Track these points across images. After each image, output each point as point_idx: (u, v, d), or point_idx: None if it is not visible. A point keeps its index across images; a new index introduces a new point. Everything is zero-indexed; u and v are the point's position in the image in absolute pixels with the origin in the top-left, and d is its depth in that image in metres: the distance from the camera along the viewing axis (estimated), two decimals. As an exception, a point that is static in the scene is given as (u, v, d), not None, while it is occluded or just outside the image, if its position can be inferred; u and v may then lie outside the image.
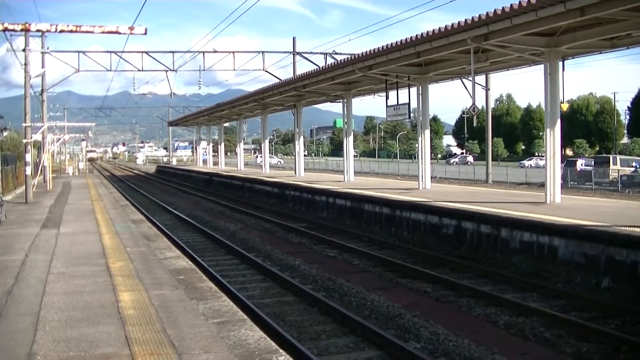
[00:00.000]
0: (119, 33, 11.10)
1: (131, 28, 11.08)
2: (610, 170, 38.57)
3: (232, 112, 47.29)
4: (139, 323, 6.38)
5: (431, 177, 24.95)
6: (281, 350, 5.69)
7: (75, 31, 10.78)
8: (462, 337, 8.66)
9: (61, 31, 10.84)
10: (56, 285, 8.26)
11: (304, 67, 39.86)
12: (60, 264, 9.87)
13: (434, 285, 11.98)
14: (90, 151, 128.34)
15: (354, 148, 36.02)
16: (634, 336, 8.52)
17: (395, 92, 23.58)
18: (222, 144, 62.85)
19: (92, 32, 11.10)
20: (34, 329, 6.20)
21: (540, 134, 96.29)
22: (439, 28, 16.13)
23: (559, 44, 15.92)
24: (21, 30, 16.54)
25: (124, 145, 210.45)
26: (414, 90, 22.87)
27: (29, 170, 23.45)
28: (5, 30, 16.01)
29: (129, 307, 7.02)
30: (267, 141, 46.72)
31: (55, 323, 6.40)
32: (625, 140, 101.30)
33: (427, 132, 23.04)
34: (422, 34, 16.96)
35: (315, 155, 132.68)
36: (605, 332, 8.78)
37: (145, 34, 11.00)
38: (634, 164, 40.49)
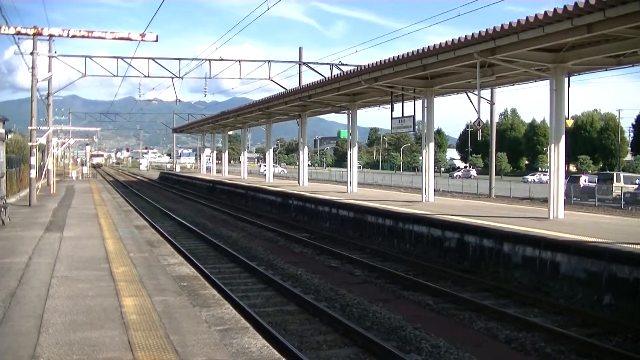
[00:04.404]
0: (130, 39, 11.17)
1: (142, 35, 11.15)
2: (613, 187, 38.57)
3: (237, 121, 47.41)
4: (142, 328, 6.40)
5: (434, 190, 24.97)
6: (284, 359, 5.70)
7: (87, 36, 10.84)
8: (463, 350, 8.66)
9: (73, 36, 10.90)
10: (60, 288, 8.28)
11: (309, 77, 40.05)
12: (64, 267, 9.89)
13: (436, 298, 11.98)
14: (96, 155, 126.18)
15: (358, 159, 36.02)
16: (635, 353, 8.51)
17: (401, 104, 23.65)
18: (226, 152, 62.99)
19: (104, 38, 11.17)
20: (38, 331, 6.21)
21: (544, 149, 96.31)
22: (446, 41, 16.19)
23: (565, 60, 15.98)
24: (33, 34, 16.64)
25: (127, 150, 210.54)
26: (419, 102, 22.93)
27: (33, 173, 23.52)
28: (17, 34, 16.10)
29: (132, 312, 7.04)
30: (271, 150, 46.80)
31: (58, 326, 6.42)
32: (629, 157, 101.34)
33: (432, 144, 23.08)
34: (428, 47, 17.02)
35: (318, 166, 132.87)
36: (606, 348, 8.77)
37: (157, 41, 11.07)
38: (637, 182, 40.46)
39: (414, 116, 23.16)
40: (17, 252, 11.46)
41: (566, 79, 16.75)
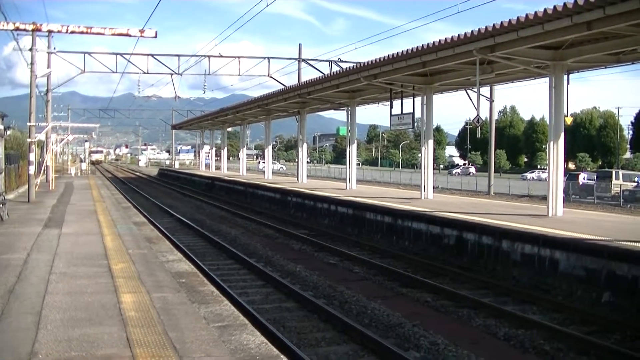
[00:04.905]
0: (130, 35, 11.14)
1: (141, 31, 11.13)
2: (612, 185, 38.60)
3: (236, 117, 47.38)
4: (141, 325, 6.39)
5: (433, 187, 24.97)
6: (282, 356, 5.70)
7: (86, 32, 10.80)
8: (462, 347, 8.66)
9: (72, 32, 10.88)
10: (58, 285, 8.27)
11: (308, 74, 39.98)
12: (62, 264, 9.88)
13: (435, 295, 11.98)
14: (95, 151, 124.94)
15: (357, 156, 36.01)
16: (633, 351, 8.52)
17: (400, 101, 23.63)
18: (225, 149, 62.94)
19: (103, 34, 11.13)
20: (36, 328, 6.21)
21: (543, 146, 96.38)
22: (445, 39, 16.17)
23: (564, 58, 15.97)
24: (32, 30, 16.61)
25: (126, 147, 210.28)
26: (418, 99, 22.91)
27: (32, 169, 23.49)
28: (16, 29, 16.06)
29: (130, 309, 7.03)
30: (270, 147, 46.78)
31: (57, 323, 6.41)
32: (627, 155, 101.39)
33: (431, 142, 23.07)
34: (428, 44, 17.01)
35: (317, 162, 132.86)
36: (605, 346, 8.78)
37: (156, 37, 11.05)
38: (636, 179, 40.48)
39: (413, 113, 23.16)
40: (15, 249, 11.45)
41: (565, 77, 16.74)
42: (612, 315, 10.45)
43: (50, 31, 22.78)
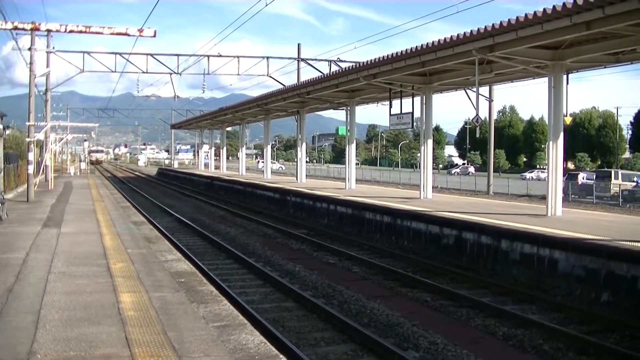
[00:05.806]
0: (128, 35, 11.13)
1: (140, 30, 11.12)
2: (611, 185, 38.63)
3: (235, 117, 47.37)
4: (139, 324, 6.38)
5: (432, 187, 24.97)
6: (281, 356, 5.69)
7: (85, 32, 10.79)
8: (461, 347, 8.65)
9: (70, 31, 10.87)
10: (57, 284, 8.27)
11: (308, 74, 40.01)
12: (61, 263, 9.87)
13: (434, 294, 11.98)
14: (95, 151, 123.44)
15: (356, 156, 36.04)
16: (632, 351, 8.52)
17: (399, 101, 23.62)
18: (224, 148, 62.92)
19: (102, 33, 11.12)
20: (35, 327, 6.20)
21: (543, 146, 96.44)
22: (445, 38, 16.16)
23: (563, 58, 15.96)
24: (30, 29, 16.61)
25: (125, 146, 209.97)
26: (417, 99, 22.92)
27: (31, 169, 23.47)
28: (14, 29, 16.05)
29: (129, 309, 7.03)
30: (269, 147, 46.77)
31: (55, 322, 6.40)
32: (627, 154, 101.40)
33: (430, 141, 23.07)
34: (427, 43, 17.00)
35: (316, 162, 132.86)
36: (604, 346, 8.77)
37: (154, 36, 11.03)
38: (635, 179, 40.50)
39: (412, 113, 23.16)
40: (14, 248, 11.44)
41: (565, 77, 16.75)
42: (612, 314, 10.45)
43: (49, 30, 22.78)
